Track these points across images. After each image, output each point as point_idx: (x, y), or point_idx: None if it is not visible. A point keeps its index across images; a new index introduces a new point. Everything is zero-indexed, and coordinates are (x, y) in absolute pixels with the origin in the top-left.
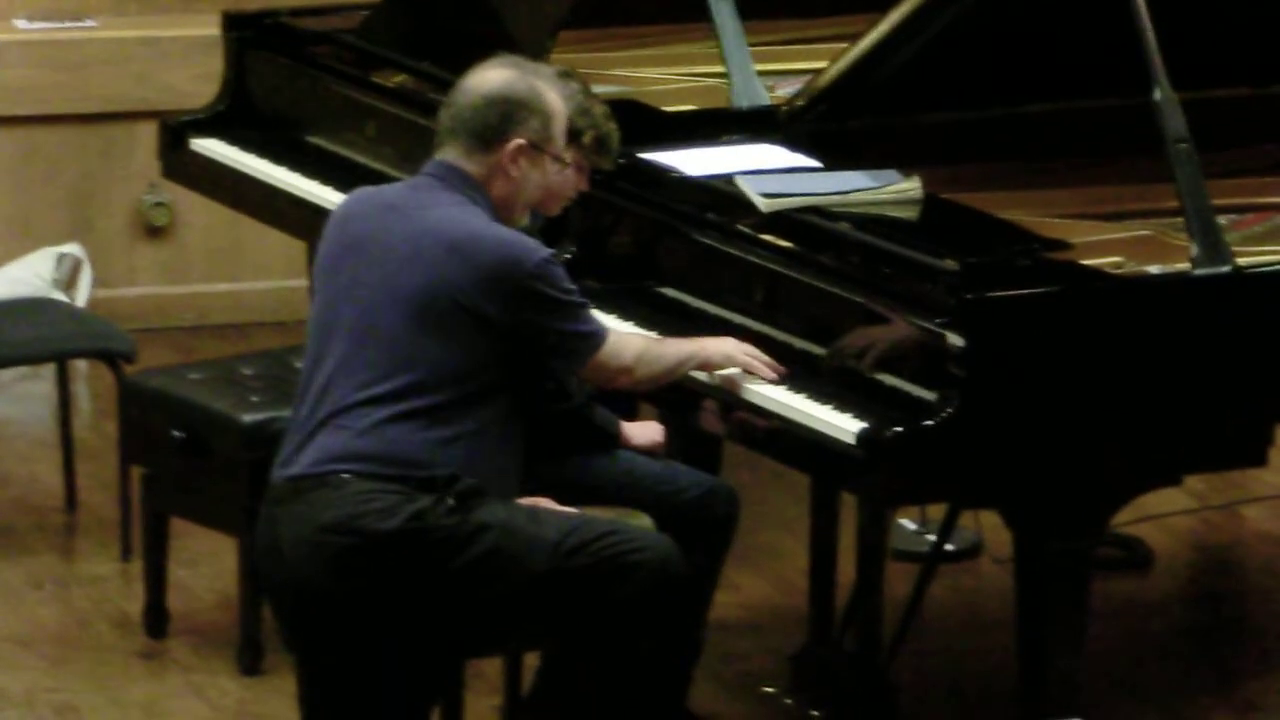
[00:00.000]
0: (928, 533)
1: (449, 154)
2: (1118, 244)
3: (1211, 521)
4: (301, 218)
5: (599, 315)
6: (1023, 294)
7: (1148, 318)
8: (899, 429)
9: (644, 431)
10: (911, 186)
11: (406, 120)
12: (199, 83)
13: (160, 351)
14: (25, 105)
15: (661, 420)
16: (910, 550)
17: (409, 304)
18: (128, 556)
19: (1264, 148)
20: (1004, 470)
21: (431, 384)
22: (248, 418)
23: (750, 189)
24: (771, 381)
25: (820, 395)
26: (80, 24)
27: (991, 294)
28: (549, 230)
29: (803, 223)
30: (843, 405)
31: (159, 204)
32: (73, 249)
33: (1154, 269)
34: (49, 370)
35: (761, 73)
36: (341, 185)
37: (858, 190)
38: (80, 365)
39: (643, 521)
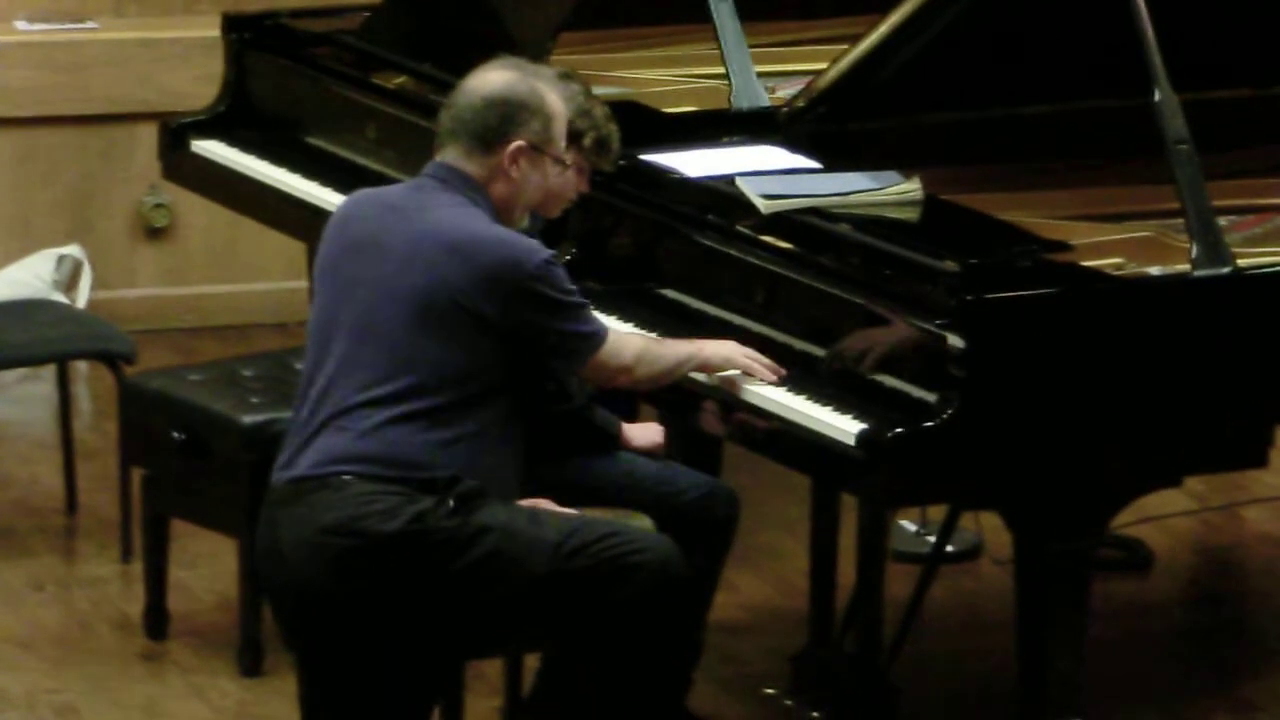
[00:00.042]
0: (928, 534)
1: (449, 155)
2: (1118, 245)
3: (1211, 523)
4: (301, 219)
5: (599, 316)
6: (1023, 295)
7: (1148, 319)
8: (899, 430)
9: (644, 433)
10: (912, 188)
11: (407, 122)
12: (199, 84)
13: (160, 353)
14: (25, 106)
15: (662, 421)
16: (910, 552)
17: (409, 305)
18: (128, 558)
19: (1264, 149)
20: (1004, 472)
21: (432, 385)
22: (248, 419)
23: (751, 190)
24: (771, 383)
25: (820, 396)
26: (80, 25)
27: (992, 295)
28: (549, 231)
29: (803, 224)
30: (843, 406)
31: (159, 205)
32: (73, 250)
33: (1154, 270)
34: (49, 372)
35: (761, 74)
36: (342, 187)
37: (858, 191)
38: (80, 367)
39: (643, 523)
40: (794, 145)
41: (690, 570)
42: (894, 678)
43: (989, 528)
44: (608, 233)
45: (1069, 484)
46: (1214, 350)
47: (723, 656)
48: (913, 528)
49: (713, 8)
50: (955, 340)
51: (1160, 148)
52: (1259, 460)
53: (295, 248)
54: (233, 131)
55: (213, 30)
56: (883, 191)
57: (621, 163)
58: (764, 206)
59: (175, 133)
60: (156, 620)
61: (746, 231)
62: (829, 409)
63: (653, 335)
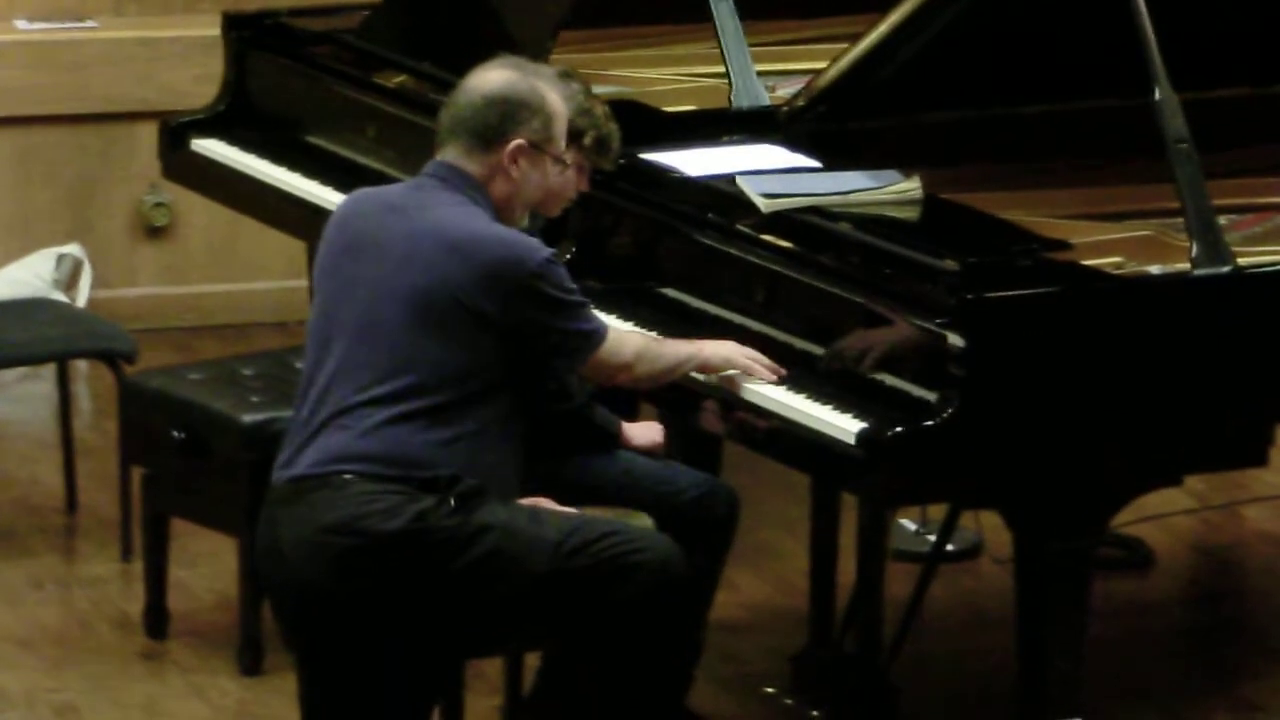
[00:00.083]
0: (928, 533)
1: (449, 154)
2: (1118, 244)
3: (1212, 521)
4: (301, 218)
5: (599, 315)
6: (1023, 294)
7: (1148, 318)
8: (899, 429)
9: (644, 432)
10: (911, 187)
11: (407, 121)
12: (199, 83)
13: (160, 352)
14: (25, 106)
15: (662, 420)
16: (911, 551)
17: (409, 304)
18: (128, 557)
19: (1264, 148)
20: (1004, 470)
21: (432, 384)
22: (248, 418)
23: (751, 189)
24: (771, 382)
25: (820, 395)
26: (80, 24)
27: (991, 294)
28: (549, 230)
29: (803, 223)
30: (843, 405)
31: (159, 204)
32: (73, 249)
33: (1154, 269)
34: (49, 371)
35: (761, 73)
36: (341, 186)
37: (858, 190)
38: (80, 366)
39: (643, 522)
40: (794, 144)
41: (690, 569)
42: (894, 677)
43: (989, 527)
44: (608, 231)
45: (1069, 483)
46: (1214, 349)
47: (723, 655)
48: (913, 527)
49: (713, 6)
50: (955, 339)
51: (1160, 147)
52: (1259, 459)
53: (295, 247)
54: (233, 130)
55: (212, 29)
56: (883, 190)
57: (621, 162)
58: (764, 205)
59: (175, 132)
60: (156, 619)
61: (746, 230)
62: (829, 408)
63: (653, 334)
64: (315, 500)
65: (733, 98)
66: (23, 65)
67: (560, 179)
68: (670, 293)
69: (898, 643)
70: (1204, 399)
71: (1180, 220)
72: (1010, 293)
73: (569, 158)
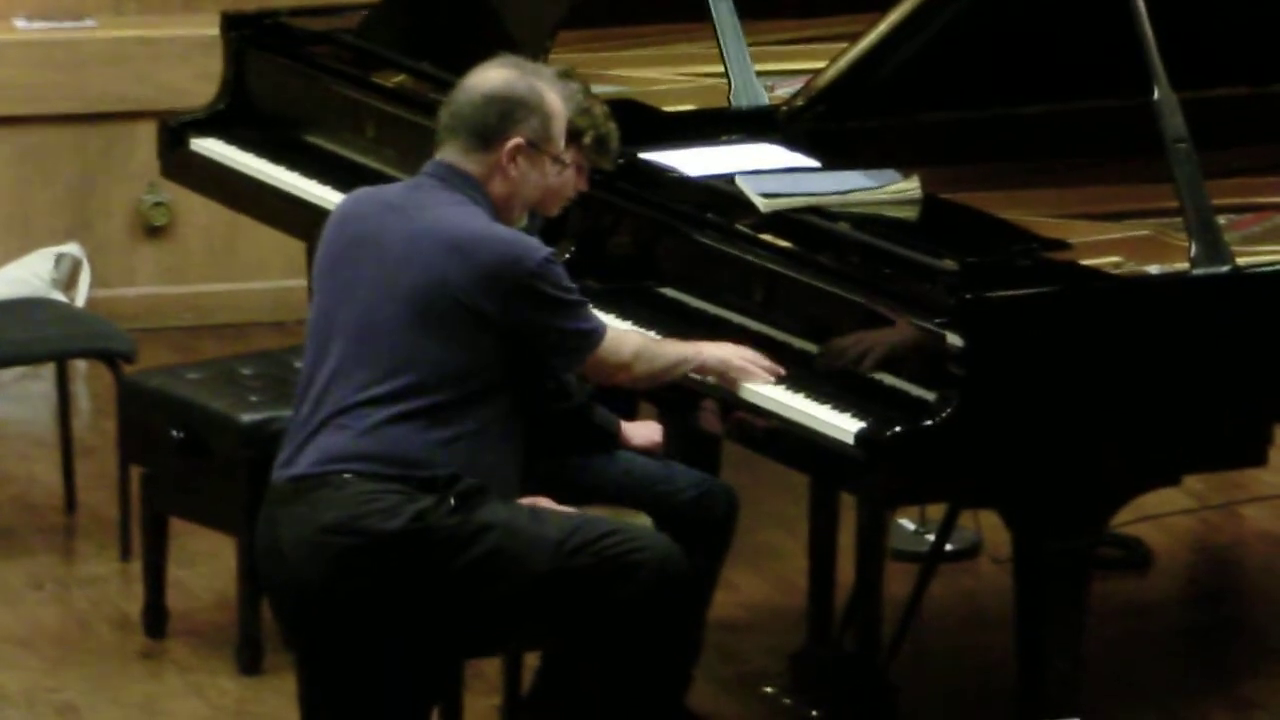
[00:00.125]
0: (927, 533)
1: (448, 153)
2: (1117, 244)
3: (1211, 521)
4: (301, 218)
5: (598, 314)
6: (1022, 294)
7: (1147, 317)
8: (898, 429)
9: (643, 431)
10: (910, 186)
11: (406, 120)
12: (198, 82)
13: (159, 351)
14: (24, 105)
15: (661, 420)
16: (909, 550)
17: (409, 303)
18: (127, 556)
19: (1263, 147)
20: (1003, 470)
21: (432, 384)
22: (247, 417)
23: (750, 189)
24: (770, 383)
25: (819, 395)
26: (79, 24)
27: (991, 294)
28: (548, 230)
29: (802, 223)
30: (842, 405)
31: (158, 204)
32: (72, 249)
33: (1153, 269)
34: (48, 370)
35: (761, 73)
36: (341, 185)
37: (857, 190)
38: (79, 365)
39: (642, 521)
40: (793, 144)
41: (690, 569)
42: (893, 676)
43: (988, 526)
44: (607, 231)
45: (1068, 482)
46: (1213, 349)
47: (722, 655)
48: (912, 526)
49: (712, 6)
50: (954, 339)
51: (1159, 146)
52: (1258, 459)
53: (294, 246)
54: (232, 130)
55: (212, 29)
56: (882, 190)
57: (621, 161)
58: (763, 205)
59: (174, 131)
60: (155, 619)
61: (746, 230)
62: (828, 408)
63: (652, 334)
64: (315, 500)
65: (732, 97)
66: (22, 64)
67: (559, 178)
68: (669, 292)
69: (897, 642)
70: (1203, 399)
71: (1179, 220)
72: (1009, 292)
73: (568, 157)
